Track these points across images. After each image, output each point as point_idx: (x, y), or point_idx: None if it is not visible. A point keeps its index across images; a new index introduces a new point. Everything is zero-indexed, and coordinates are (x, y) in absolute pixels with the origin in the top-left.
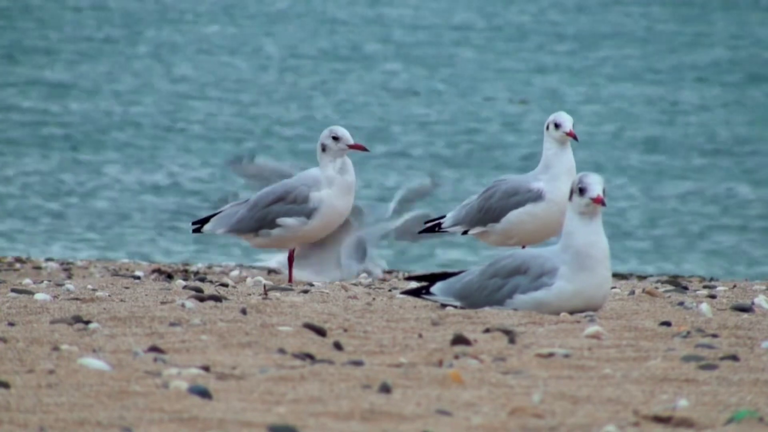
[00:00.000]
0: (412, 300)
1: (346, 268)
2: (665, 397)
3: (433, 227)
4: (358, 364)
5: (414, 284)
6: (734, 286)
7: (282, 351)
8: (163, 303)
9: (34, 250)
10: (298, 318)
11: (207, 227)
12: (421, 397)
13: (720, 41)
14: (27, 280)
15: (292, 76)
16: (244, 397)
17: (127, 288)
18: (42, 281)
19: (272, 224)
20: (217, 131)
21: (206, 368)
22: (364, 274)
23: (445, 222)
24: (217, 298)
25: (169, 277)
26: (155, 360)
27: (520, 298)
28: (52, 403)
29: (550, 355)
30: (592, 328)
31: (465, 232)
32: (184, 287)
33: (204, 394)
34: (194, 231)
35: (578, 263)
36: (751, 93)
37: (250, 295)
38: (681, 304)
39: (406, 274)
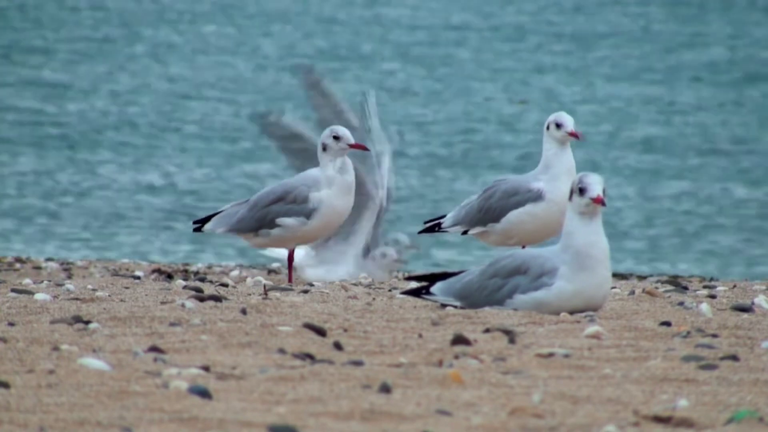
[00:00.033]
0: (412, 300)
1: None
2: (665, 397)
3: (433, 227)
4: (358, 364)
5: (414, 284)
6: (734, 286)
7: (282, 351)
8: (163, 303)
9: (30, 249)
10: (298, 318)
11: (207, 226)
12: (421, 397)
13: (717, 41)
14: (27, 280)
15: (290, 76)
16: (244, 397)
17: (127, 288)
18: (42, 281)
19: (272, 224)
20: (213, 131)
21: (206, 368)
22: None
23: (445, 222)
24: (217, 298)
25: (169, 277)
26: (155, 360)
27: (520, 298)
28: (52, 403)
29: (550, 355)
30: (592, 328)
31: (465, 232)
32: (184, 287)
33: (204, 394)
34: (195, 230)
35: (578, 263)
36: (747, 93)
37: (250, 295)
38: (681, 304)
39: (406, 274)
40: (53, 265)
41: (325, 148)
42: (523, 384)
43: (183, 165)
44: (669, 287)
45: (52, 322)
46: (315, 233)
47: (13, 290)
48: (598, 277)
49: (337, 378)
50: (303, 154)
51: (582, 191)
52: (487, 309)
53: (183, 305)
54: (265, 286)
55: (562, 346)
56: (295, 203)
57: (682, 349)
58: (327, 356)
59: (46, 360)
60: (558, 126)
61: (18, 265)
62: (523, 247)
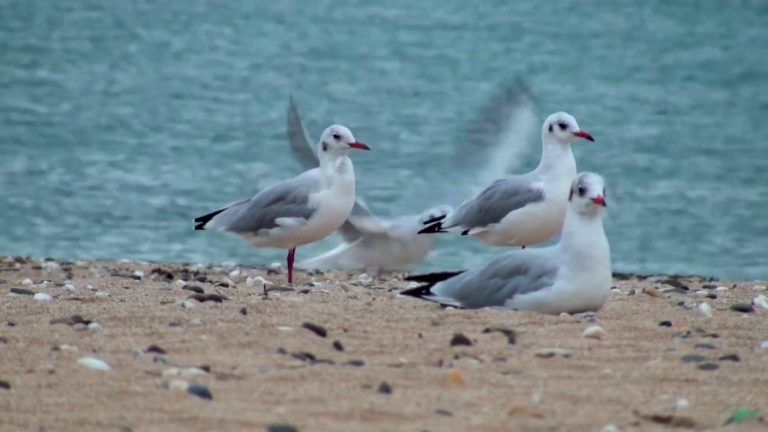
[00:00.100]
0: (412, 300)
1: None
2: (665, 397)
3: (433, 227)
4: (358, 364)
5: (414, 284)
6: (734, 286)
7: (282, 351)
8: (163, 303)
9: (24, 249)
10: (298, 318)
11: (209, 224)
12: (421, 397)
13: (710, 41)
14: (27, 280)
15: (287, 75)
16: (244, 397)
17: (127, 288)
18: (42, 281)
19: (271, 224)
20: (211, 131)
21: (206, 368)
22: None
23: (445, 222)
24: (217, 298)
25: (169, 277)
26: (155, 360)
27: (520, 298)
28: (52, 403)
29: (550, 355)
30: (592, 328)
31: (465, 232)
32: (184, 287)
33: (204, 394)
34: (197, 228)
35: (578, 263)
36: (741, 93)
37: (250, 295)
38: (681, 304)
39: (406, 274)
40: (53, 265)
41: (325, 147)
42: (523, 384)
43: (176, 165)
44: (669, 287)
45: (52, 322)
46: (314, 233)
47: (13, 290)
48: (598, 277)
49: (337, 378)
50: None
51: (582, 191)
52: (487, 309)
53: (183, 305)
54: (265, 286)
55: (562, 346)
56: (295, 203)
57: (682, 349)
58: (327, 356)
59: (46, 360)
60: (562, 126)
61: (18, 265)
62: (523, 247)
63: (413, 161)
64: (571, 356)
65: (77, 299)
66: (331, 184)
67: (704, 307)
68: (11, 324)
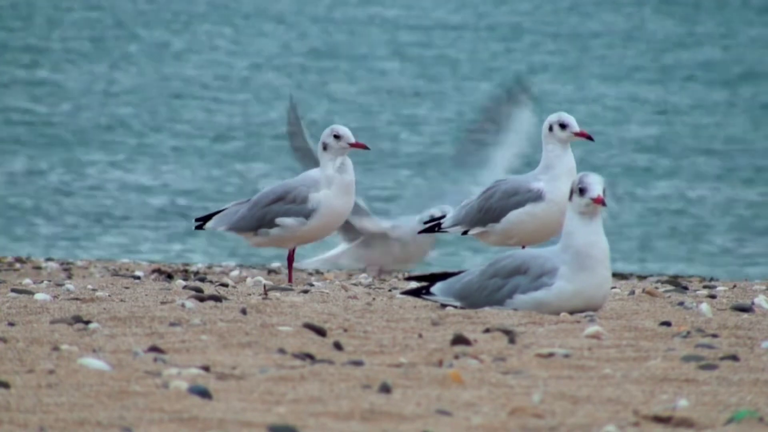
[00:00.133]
0: (412, 300)
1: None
2: (665, 397)
3: (433, 227)
4: (358, 364)
5: (414, 284)
6: (734, 286)
7: (282, 351)
8: (163, 303)
9: (24, 249)
10: (298, 318)
11: (209, 224)
12: (421, 397)
13: (711, 41)
14: (27, 280)
15: (287, 75)
16: (244, 397)
17: (127, 288)
18: (42, 281)
19: (271, 224)
20: (210, 131)
21: (206, 368)
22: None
23: (445, 222)
24: (217, 298)
25: (169, 277)
26: (155, 360)
27: (520, 298)
28: (52, 403)
29: (550, 355)
30: (592, 328)
31: (465, 232)
32: (184, 287)
33: (204, 394)
34: (197, 227)
35: (578, 263)
36: (741, 93)
37: (250, 295)
38: (681, 304)
39: (406, 274)
40: (53, 265)
41: (325, 147)
42: (523, 384)
43: (176, 165)
44: (669, 287)
45: (52, 322)
46: (314, 233)
47: (13, 290)
48: (598, 277)
49: (337, 378)
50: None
51: (582, 191)
52: (487, 309)
53: (183, 305)
54: (265, 286)
55: (562, 346)
56: (295, 203)
57: (682, 349)
58: (327, 356)
59: (46, 360)
60: (563, 126)
61: (18, 265)
62: (523, 247)
63: (413, 161)
64: (571, 356)
65: (77, 299)
66: (331, 184)
67: (704, 307)
68: (11, 324)
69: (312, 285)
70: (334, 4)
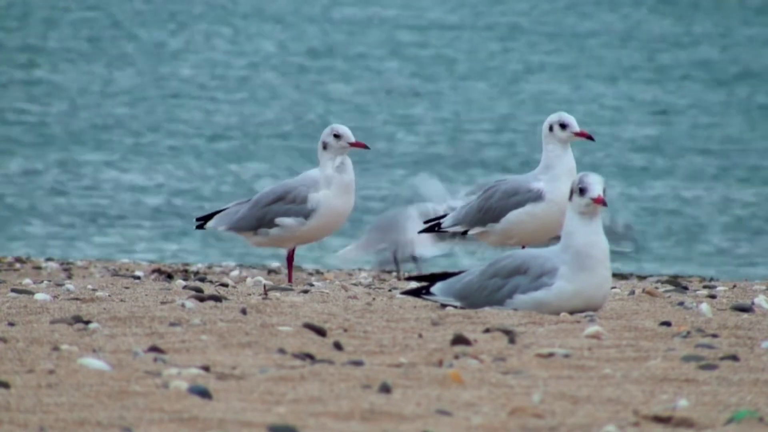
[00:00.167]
0: (412, 300)
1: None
2: (665, 397)
3: (433, 227)
4: (358, 364)
5: (414, 284)
6: (734, 286)
7: (282, 351)
8: (163, 303)
9: (20, 249)
10: (298, 318)
11: (210, 224)
12: (421, 397)
13: (708, 41)
14: (27, 280)
15: (285, 75)
16: (244, 397)
17: (127, 288)
18: (42, 281)
19: (271, 224)
20: (207, 130)
21: (206, 368)
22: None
23: (445, 222)
24: (217, 298)
25: (169, 277)
26: (155, 360)
27: (520, 298)
28: (52, 403)
29: (550, 355)
30: (592, 328)
31: (465, 232)
32: (184, 287)
33: (204, 394)
34: (198, 227)
35: (578, 263)
36: (738, 92)
37: (250, 295)
38: (681, 304)
39: (406, 274)
40: (53, 265)
41: (325, 147)
42: (523, 384)
43: (173, 164)
44: (669, 287)
45: (52, 322)
46: (314, 234)
47: (13, 290)
48: (598, 277)
49: (337, 378)
50: None
51: (582, 191)
52: (487, 309)
53: (183, 305)
54: (265, 286)
55: (562, 346)
56: (294, 203)
57: (682, 349)
58: (327, 356)
59: (46, 360)
60: (563, 126)
61: (18, 265)
62: (523, 247)
63: (409, 161)
64: (571, 356)
65: (77, 299)
66: (330, 184)
67: (704, 307)
68: (11, 324)
69: (312, 285)
70: (332, 3)
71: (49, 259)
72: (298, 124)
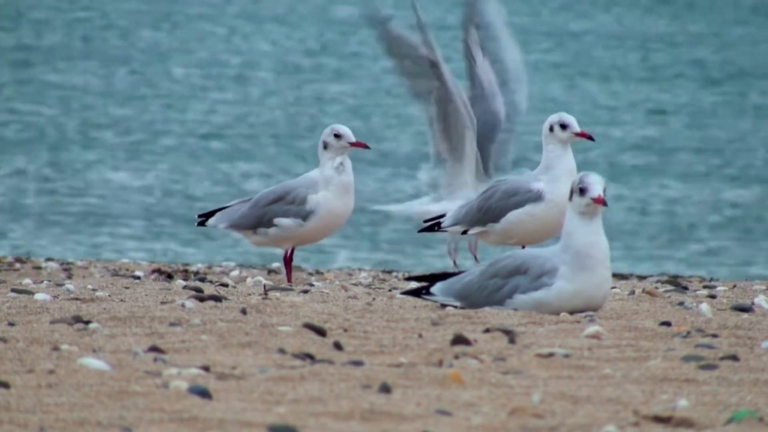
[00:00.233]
0: (412, 300)
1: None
2: (665, 397)
3: (433, 226)
4: (358, 364)
5: (414, 284)
6: (734, 286)
7: (282, 351)
8: (163, 303)
9: (16, 250)
10: (298, 318)
11: (211, 221)
12: (421, 397)
13: (703, 40)
14: (27, 280)
15: (285, 75)
16: (244, 397)
17: (127, 288)
18: (42, 281)
19: (269, 223)
20: (204, 130)
21: (206, 368)
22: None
23: (445, 221)
24: (217, 298)
25: (169, 277)
26: (155, 360)
27: (520, 298)
28: (52, 403)
29: (550, 355)
30: (592, 328)
31: (464, 232)
32: (184, 287)
33: (204, 394)
34: (199, 224)
35: (578, 263)
36: (735, 92)
37: (250, 295)
38: (681, 304)
39: (406, 274)
40: (53, 265)
41: (325, 146)
42: (523, 384)
43: (169, 164)
44: (669, 287)
45: (52, 322)
46: (313, 235)
47: (13, 290)
48: (598, 277)
49: (337, 378)
50: (408, 60)
51: (582, 191)
52: (487, 309)
53: (183, 305)
54: (265, 286)
55: (562, 346)
56: (294, 204)
57: (682, 349)
58: (327, 356)
59: (46, 360)
60: (563, 127)
61: (18, 265)
62: (523, 247)
63: (406, 161)
64: (571, 356)
65: (77, 299)
66: (330, 185)
67: (704, 307)
68: (11, 324)
69: (312, 285)
70: (330, 2)
71: (49, 259)
72: (291, 124)
